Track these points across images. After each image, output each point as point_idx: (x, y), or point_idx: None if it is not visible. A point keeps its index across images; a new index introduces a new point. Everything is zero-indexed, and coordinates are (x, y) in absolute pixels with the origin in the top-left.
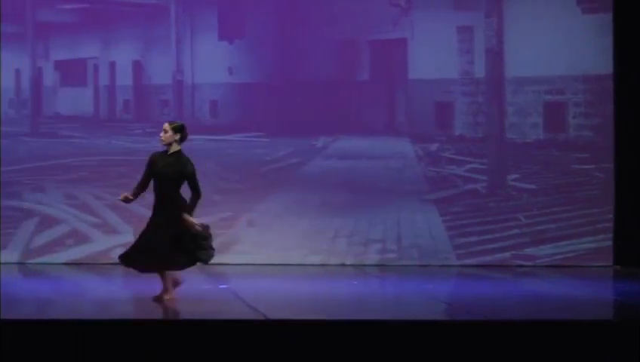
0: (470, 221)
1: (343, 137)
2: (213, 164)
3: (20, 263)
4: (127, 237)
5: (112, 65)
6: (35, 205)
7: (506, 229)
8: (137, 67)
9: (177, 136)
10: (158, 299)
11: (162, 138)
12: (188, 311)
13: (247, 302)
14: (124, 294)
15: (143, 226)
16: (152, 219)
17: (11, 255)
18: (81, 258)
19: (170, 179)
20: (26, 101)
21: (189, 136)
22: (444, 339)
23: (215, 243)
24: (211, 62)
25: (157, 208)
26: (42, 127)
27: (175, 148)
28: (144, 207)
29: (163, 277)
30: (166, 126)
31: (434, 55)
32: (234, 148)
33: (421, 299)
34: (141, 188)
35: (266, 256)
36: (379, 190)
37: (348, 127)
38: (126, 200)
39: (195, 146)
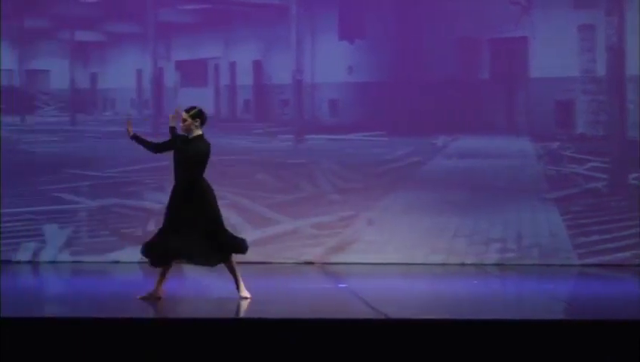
0: (591, 220)
1: (463, 136)
2: (332, 163)
3: (140, 262)
4: (248, 237)
5: (233, 66)
6: (155, 204)
7: (627, 228)
8: (258, 67)
9: (197, 122)
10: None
11: (182, 126)
12: (307, 310)
13: (367, 301)
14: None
15: (263, 224)
16: (179, 211)
17: (133, 254)
18: None
19: (191, 160)
20: (147, 101)
21: (309, 136)
22: (563, 338)
23: (335, 242)
24: (331, 62)
25: (181, 197)
26: (163, 127)
27: (197, 132)
28: (267, 208)
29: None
30: (184, 115)
31: (555, 53)
32: (353, 148)
33: (542, 298)
34: (153, 145)
35: (385, 255)
36: (499, 189)
37: (468, 126)
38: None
39: (315, 146)
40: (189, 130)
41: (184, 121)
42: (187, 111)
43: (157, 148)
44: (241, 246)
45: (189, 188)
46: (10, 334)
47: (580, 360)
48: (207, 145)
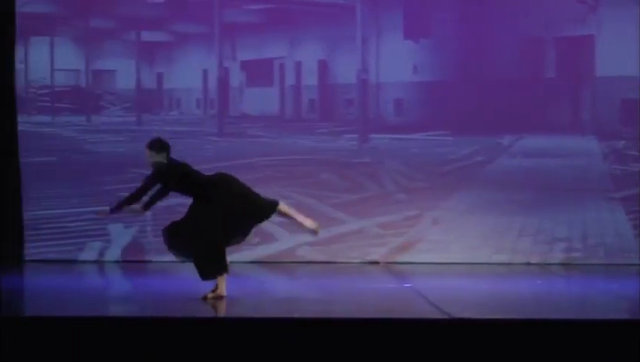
0: None
1: (528, 135)
2: (397, 163)
3: None
4: (313, 236)
5: (298, 65)
6: None
7: None
8: (323, 66)
9: (163, 154)
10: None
11: (150, 163)
12: (371, 309)
13: (432, 300)
14: (309, 292)
15: (328, 224)
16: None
17: None
18: (267, 256)
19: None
20: (213, 101)
21: (373, 135)
22: (629, 338)
23: (400, 242)
24: (396, 61)
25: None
26: (229, 127)
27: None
28: (332, 207)
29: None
30: (147, 152)
31: (621, 52)
32: (418, 147)
33: (607, 298)
34: (135, 196)
35: (449, 255)
36: (564, 188)
37: (533, 125)
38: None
39: (380, 145)
40: (157, 162)
41: (150, 157)
42: (148, 145)
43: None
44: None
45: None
46: (77, 332)
47: None
48: (165, 166)
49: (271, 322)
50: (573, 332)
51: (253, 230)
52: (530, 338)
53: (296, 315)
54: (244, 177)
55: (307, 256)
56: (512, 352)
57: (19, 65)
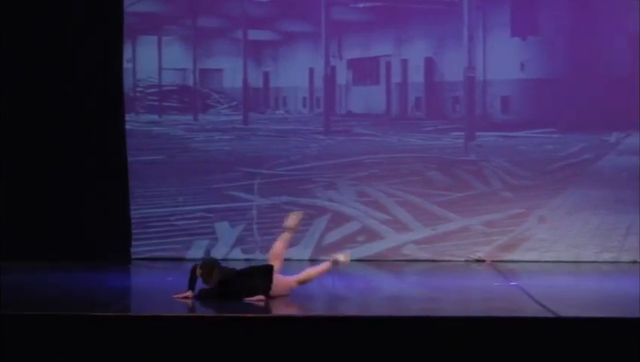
0: None
1: (636, 133)
2: (504, 161)
3: (312, 260)
4: (419, 234)
5: (404, 63)
6: (327, 202)
7: None
8: (429, 64)
9: (215, 273)
10: None
11: (209, 284)
12: (478, 307)
13: (538, 299)
14: (415, 291)
15: (434, 222)
16: None
17: (304, 251)
18: (372, 255)
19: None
20: (319, 100)
21: (480, 133)
22: None
23: (506, 240)
24: (503, 58)
25: None
26: (335, 125)
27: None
28: (438, 205)
29: None
30: (204, 277)
31: None
32: (525, 145)
33: None
34: None
35: (556, 253)
36: None
37: None
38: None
39: (486, 143)
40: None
41: (206, 280)
42: (201, 268)
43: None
44: None
45: None
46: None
47: None
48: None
49: (378, 320)
50: None
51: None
52: (634, 336)
53: None
54: (350, 175)
55: (413, 255)
56: (616, 350)
57: (126, 65)
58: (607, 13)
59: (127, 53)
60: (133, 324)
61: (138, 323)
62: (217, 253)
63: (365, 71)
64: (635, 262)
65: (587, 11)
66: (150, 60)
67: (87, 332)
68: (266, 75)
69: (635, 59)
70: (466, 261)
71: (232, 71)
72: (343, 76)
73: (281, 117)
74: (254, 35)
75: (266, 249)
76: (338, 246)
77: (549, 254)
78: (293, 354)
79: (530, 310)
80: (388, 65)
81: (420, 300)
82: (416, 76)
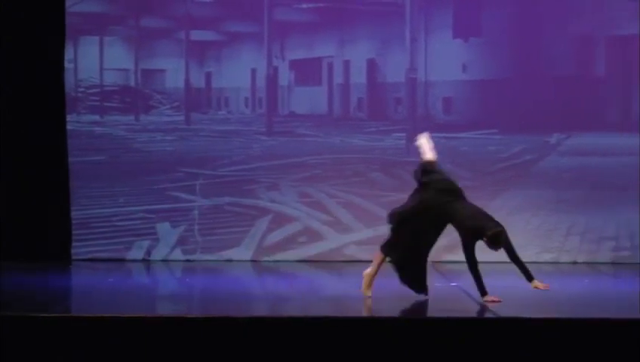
0: None
1: (577, 134)
2: (445, 162)
3: (253, 261)
4: (360, 235)
5: (347, 64)
6: (270, 203)
7: None
8: (371, 65)
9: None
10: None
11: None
12: (419, 308)
13: (478, 300)
14: (358, 292)
15: (376, 222)
16: None
17: (245, 253)
18: (314, 255)
19: None
20: (261, 100)
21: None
22: None
23: (446, 241)
24: (445, 60)
25: None
26: (277, 126)
27: None
28: (380, 206)
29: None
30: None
31: None
32: (467, 146)
33: None
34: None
35: (497, 254)
36: (612, 187)
37: (582, 124)
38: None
39: None
40: None
41: None
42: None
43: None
44: None
45: None
46: (125, 331)
47: None
48: None
49: (319, 321)
50: (620, 330)
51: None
52: (575, 337)
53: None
54: (293, 176)
55: (355, 255)
56: (556, 351)
57: (68, 65)
58: (549, 14)
59: (68, 53)
60: (74, 325)
61: (79, 324)
62: (158, 254)
63: (308, 72)
64: (575, 262)
65: (529, 13)
66: (92, 60)
67: (25, 333)
68: (209, 76)
69: (577, 61)
70: None
71: (174, 71)
72: (285, 77)
73: (224, 117)
74: (197, 35)
75: (207, 250)
76: (280, 247)
77: (489, 255)
78: (235, 355)
79: (471, 310)
80: (330, 66)
81: (363, 301)
82: (359, 77)
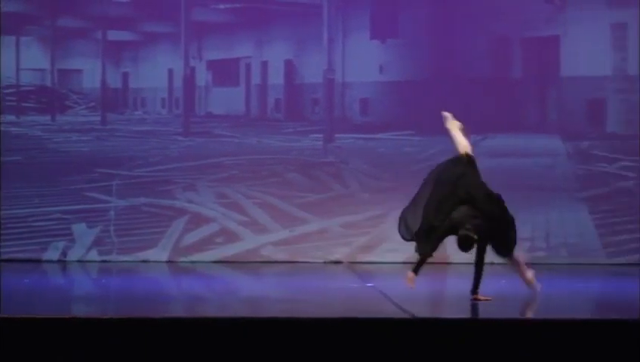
0: (621, 219)
1: (494, 135)
2: (362, 163)
3: (169, 261)
4: (277, 236)
5: (265, 65)
6: (187, 204)
7: None
8: (289, 66)
9: None
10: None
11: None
12: (335, 309)
13: (394, 300)
14: (275, 292)
15: (293, 223)
16: None
17: (161, 253)
18: (231, 256)
19: None
20: (178, 101)
21: (339, 135)
22: (591, 338)
23: (364, 241)
24: (362, 61)
25: None
26: (194, 127)
27: None
28: (296, 207)
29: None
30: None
31: (587, 52)
32: (384, 147)
33: (572, 297)
34: None
35: (413, 255)
36: (529, 188)
37: (499, 125)
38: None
39: (346, 145)
40: None
41: None
42: None
43: None
44: None
45: None
46: (39, 333)
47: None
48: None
49: (236, 321)
50: (534, 331)
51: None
52: (495, 336)
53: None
54: (210, 177)
55: (271, 256)
56: (471, 351)
57: None
58: (467, 16)
59: None
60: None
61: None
62: (74, 255)
63: (225, 72)
64: (492, 263)
65: (446, 14)
66: (8, 61)
67: None
68: (125, 76)
69: (494, 62)
70: (324, 262)
71: (90, 71)
72: (202, 77)
73: (140, 118)
74: (114, 35)
75: (123, 250)
76: (196, 247)
77: (406, 255)
78: (151, 356)
79: (387, 311)
80: (248, 67)
81: (279, 301)
82: (276, 78)
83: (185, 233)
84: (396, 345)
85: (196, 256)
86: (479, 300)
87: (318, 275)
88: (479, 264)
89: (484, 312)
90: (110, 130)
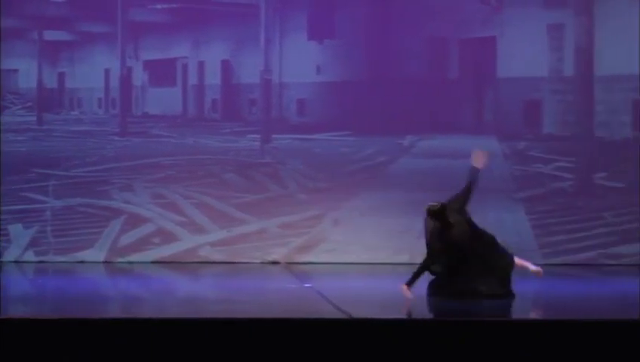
0: (557, 220)
1: (430, 136)
2: (299, 163)
3: (106, 262)
4: (215, 236)
5: (201, 65)
6: (123, 204)
7: (593, 228)
8: (226, 66)
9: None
10: None
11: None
12: (273, 309)
13: (332, 301)
14: (213, 293)
15: (230, 224)
16: None
17: (98, 254)
18: (168, 256)
19: None
20: (115, 101)
21: (276, 135)
22: (522, 338)
23: (301, 242)
24: (299, 62)
25: None
26: (131, 127)
27: None
28: (234, 207)
29: None
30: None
31: (523, 53)
32: (321, 147)
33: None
34: None
35: (351, 255)
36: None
37: (435, 126)
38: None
39: (282, 145)
40: None
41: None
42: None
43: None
44: None
45: None
46: None
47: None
48: None
49: (174, 322)
50: (471, 329)
51: None
52: (430, 336)
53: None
54: (147, 177)
55: (209, 256)
56: (409, 351)
57: None
58: (403, 16)
59: None
60: None
61: None
62: (10, 255)
63: (162, 72)
64: None
65: (383, 15)
66: None
67: None
68: (62, 76)
69: (430, 63)
70: (262, 263)
71: (26, 71)
72: (139, 77)
73: (77, 118)
74: (50, 35)
75: (60, 251)
76: (133, 248)
77: (344, 256)
78: (87, 357)
79: (325, 311)
80: (185, 67)
81: (217, 302)
82: (213, 78)
83: (122, 233)
84: (334, 346)
85: (133, 257)
86: (404, 292)
87: (256, 276)
88: (425, 267)
89: (419, 313)
90: (47, 130)
